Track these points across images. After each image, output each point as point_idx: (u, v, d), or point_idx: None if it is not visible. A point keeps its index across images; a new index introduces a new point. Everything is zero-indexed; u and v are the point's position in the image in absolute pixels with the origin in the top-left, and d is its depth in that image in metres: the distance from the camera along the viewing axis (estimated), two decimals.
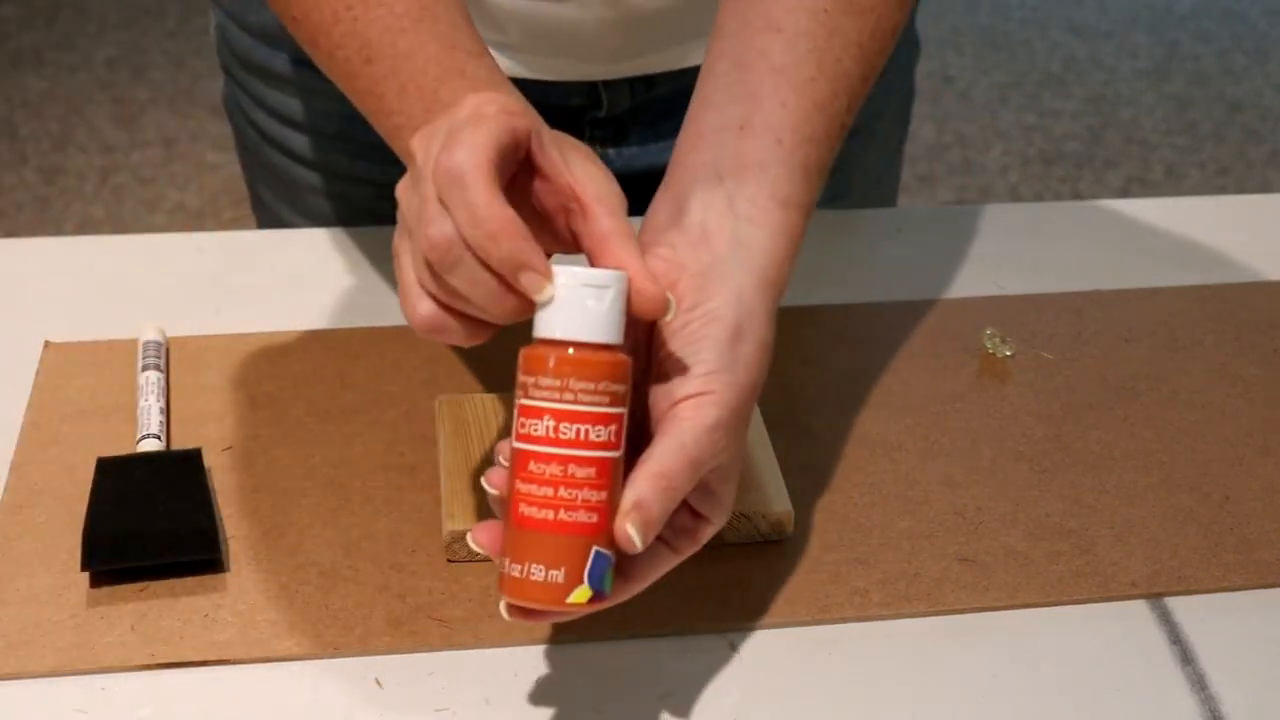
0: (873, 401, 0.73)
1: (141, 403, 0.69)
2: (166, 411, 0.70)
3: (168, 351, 0.75)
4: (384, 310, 0.79)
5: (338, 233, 0.86)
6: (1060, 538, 0.65)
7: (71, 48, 3.07)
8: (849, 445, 0.70)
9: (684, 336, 0.53)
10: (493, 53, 0.81)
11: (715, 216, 0.56)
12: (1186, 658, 0.59)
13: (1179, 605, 0.62)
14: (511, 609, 0.51)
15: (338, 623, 0.59)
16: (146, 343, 0.73)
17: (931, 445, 0.70)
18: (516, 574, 0.50)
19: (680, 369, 0.53)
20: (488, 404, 0.69)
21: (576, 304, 0.50)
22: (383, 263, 0.83)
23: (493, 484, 0.52)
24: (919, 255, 0.86)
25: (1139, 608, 0.62)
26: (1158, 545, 0.65)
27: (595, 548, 0.50)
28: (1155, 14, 3.36)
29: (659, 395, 0.53)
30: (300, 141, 0.89)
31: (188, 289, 0.81)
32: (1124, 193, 2.65)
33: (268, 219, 0.96)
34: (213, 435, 0.69)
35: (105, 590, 0.60)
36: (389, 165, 0.88)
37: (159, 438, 0.68)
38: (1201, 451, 0.71)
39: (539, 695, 0.57)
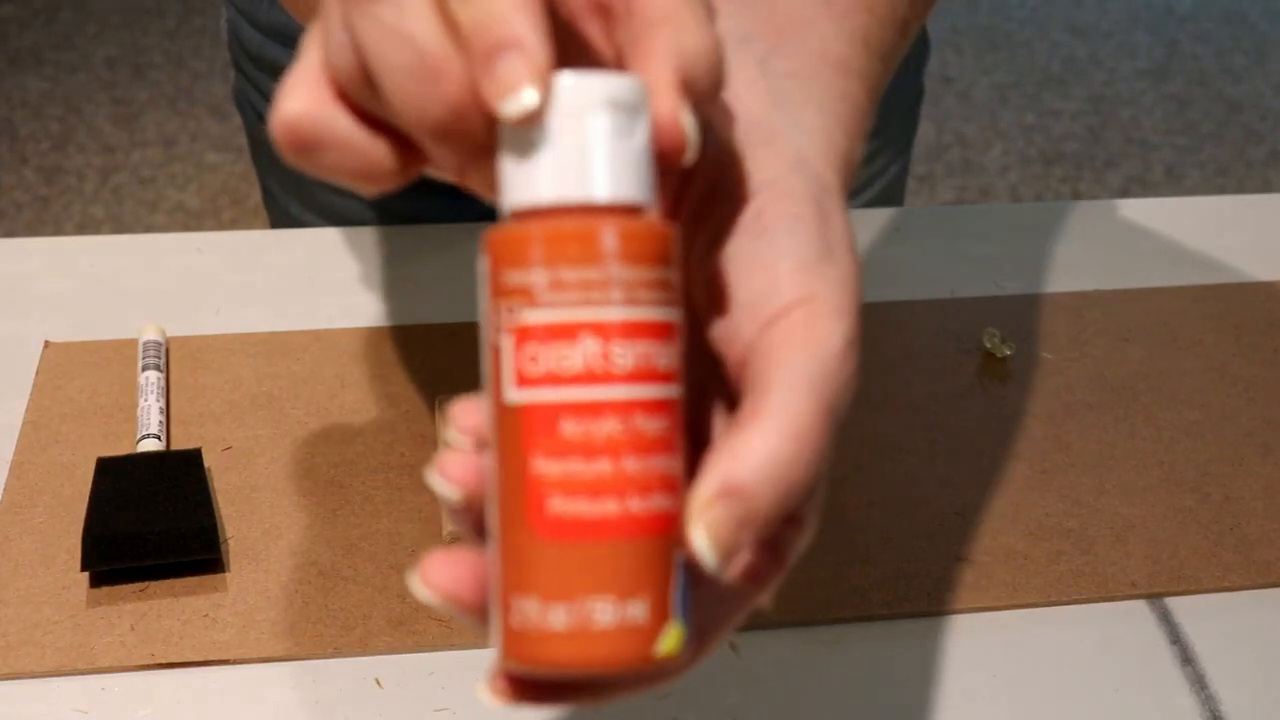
0: (873, 401, 0.73)
1: (141, 403, 0.69)
2: (166, 411, 0.70)
3: (168, 351, 0.75)
4: (384, 310, 0.79)
5: (338, 232, 0.86)
6: (1060, 538, 0.65)
7: (71, 48, 3.07)
8: (849, 445, 0.70)
9: (745, 229, 0.34)
10: None
11: (742, 82, 0.37)
12: (1186, 658, 0.59)
13: (1179, 605, 0.62)
14: (517, 686, 0.31)
15: (338, 623, 0.59)
16: (146, 343, 0.73)
17: (931, 445, 0.70)
18: (560, 625, 0.30)
19: (757, 273, 0.33)
20: None
21: (606, 139, 0.30)
22: (384, 263, 0.83)
23: (452, 478, 0.31)
24: (919, 255, 0.86)
25: (1139, 608, 0.62)
26: (1158, 545, 0.65)
27: (679, 555, 0.31)
28: (1155, 14, 3.36)
29: (732, 324, 0.34)
30: None
31: (188, 289, 0.81)
32: (1124, 193, 2.65)
33: (278, 213, 0.96)
34: (213, 435, 0.69)
35: (105, 590, 0.60)
36: None
37: (159, 438, 0.68)
38: (1201, 451, 0.71)
39: None
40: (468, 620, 0.31)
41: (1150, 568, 0.63)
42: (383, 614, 0.60)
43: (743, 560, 0.32)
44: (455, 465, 0.31)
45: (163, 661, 0.57)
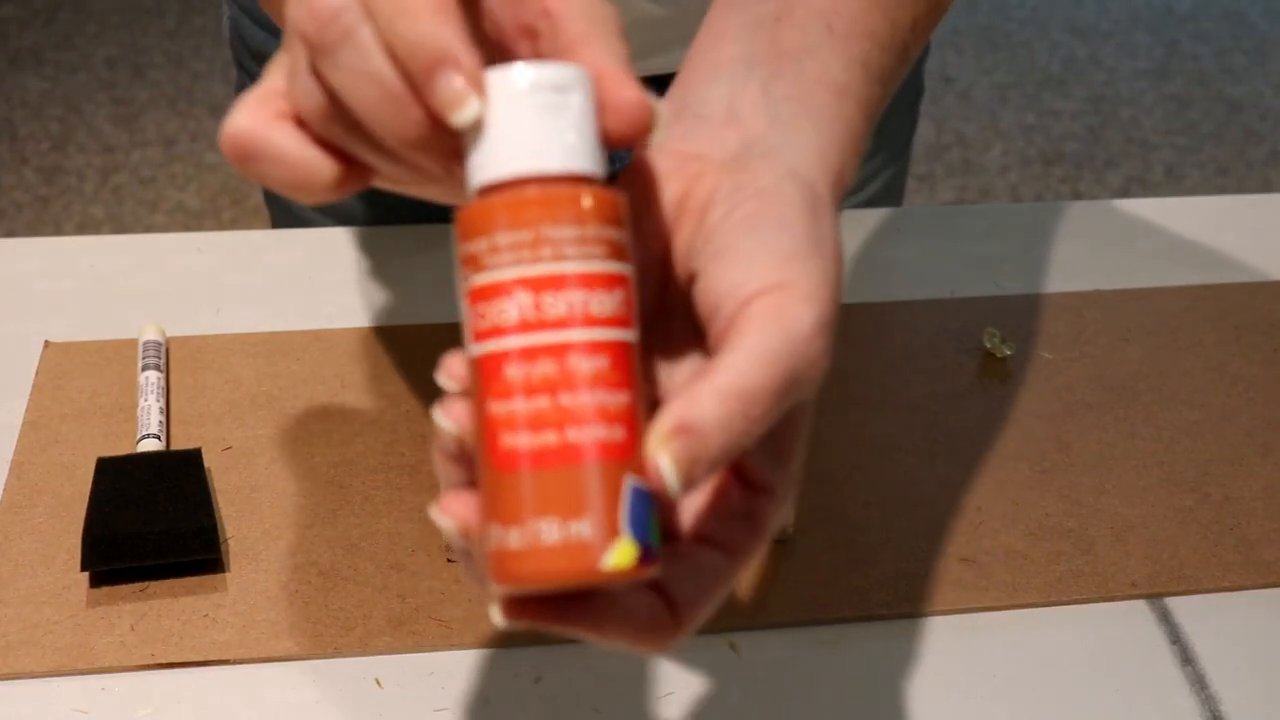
0: (873, 401, 0.73)
1: (141, 403, 0.69)
2: (166, 411, 0.70)
3: (168, 351, 0.75)
4: (384, 310, 0.79)
5: (338, 232, 0.86)
6: (1060, 538, 0.65)
7: (71, 48, 3.07)
8: (849, 445, 0.70)
9: (738, 224, 0.37)
10: None
11: (748, 102, 0.41)
12: (1186, 658, 0.59)
13: (1179, 605, 0.62)
14: (511, 607, 0.35)
15: (338, 623, 0.59)
16: (146, 343, 0.73)
17: (931, 445, 0.70)
18: (515, 544, 0.33)
19: (743, 261, 0.36)
20: None
21: (531, 119, 0.34)
22: (384, 262, 0.83)
23: (453, 417, 0.36)
24: (919, 255, 0.86)
25: (1139, 608, 0.62)
26: (1158, 545, 0.65)
27: (630, 478, 0.34)
28: (1155, 14, 3.36)
29: (717, 300, 0.37)
30: None
31: (188, 289, 0.81)
32: (1124, 193, 2.65)
33: (280, 211, 0.96)
34: (213, 435, 0.69)
35: (105, 590, 0.60)
36: None
37: (159, 438, 0.67)
38: (1201, 451, 0.71)
39: (539, 695, 0.57)
40: (468, 545, 0.36)
41: (1150, 568, 0.63)
42: (383, 614, 0.60)
43: (695, 485, 0.34)
44: (455, 407, 0.36)
45: (163, 661, 0.57)
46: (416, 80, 0.33)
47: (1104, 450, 0.70)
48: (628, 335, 0.35)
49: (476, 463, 0.35)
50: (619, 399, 0.34)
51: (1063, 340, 0.79)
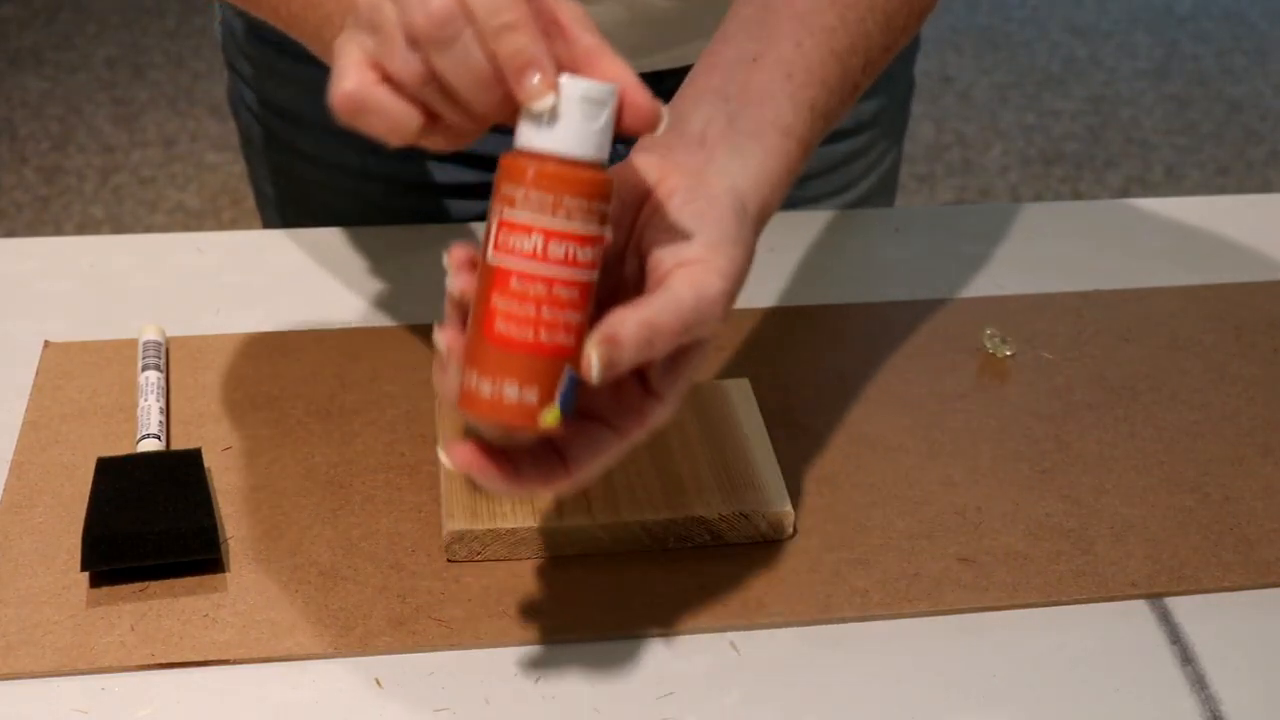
0: (873, 401, 0.73)
1: (141, 403, 0.69)
2: (166, 411, 0.70)
3: (168, 351, 0.75)
4: (384, 310, 0.79)
5: (338, 232, 0.86)
6: (1060, 538, 0.65)
7: (71, 48, 3.07)
8: (849, 445, 0.70)
9: (687, 213, 0.52)
10: None
11: (716, 131, 0.56)
12: (1186, 658, 0.59)
13: (1179, 605, 0.62)
14: (458, 452, 0.50)
15: (338, 623, 0.59)
16: (146, 343, 0.73)
17: (931, 445, 0.70)
18: (486, 392, 0.48)
19: (684, 237, 0.51)
20: None
21: (575, 117, 0.48)
22: (383, 262, 0.83)
23: (460, 281, 0.50)
24: (919, 255, 0.86)
25: (1139, 608, 0.62)
26: (1158, 545, 0.65)
27: (568, 370, 0.49)
28: (1155, 14, 3.36)
29: (656, 261, 0.51)
30: (308, 140, 0.89)
31: (188, 289, 0.81)
32: (1124, 193, 2.65)
33: (274, 217, 0.96)
34: (213, 435, 0.69)
35: (105, 590, 0.60)
36: (400, 161, 0.88)
37: (159, 438, 0.68)
38: (1201, 451, 0.71)
39: (539, 695, 0.57)
40: (446, 372, 0.50)
41: (1150, 568, 0.63)
42: (383, 614, 0.60)
43: (610, 378, 0.48)
44: (462, 278, 0.50)
45: (163, 661, 0.57)
46: (510, 76, 0.47)
47: (1104, 450, 0.70)
48: (593, 276, 0.49)
49: (471, 326, 0.49)
50: (577, 318, 0.49)
51: (1063, 340, 0.79)
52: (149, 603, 0.60)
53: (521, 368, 0.48)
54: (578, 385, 0.49)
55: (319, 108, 0.88)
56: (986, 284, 0.84)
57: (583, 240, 0.48)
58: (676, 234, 0.52)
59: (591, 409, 0.52)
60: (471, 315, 0.49)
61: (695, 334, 0.50)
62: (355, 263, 0.84)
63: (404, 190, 0.90)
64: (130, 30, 3.15)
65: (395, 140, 0.49)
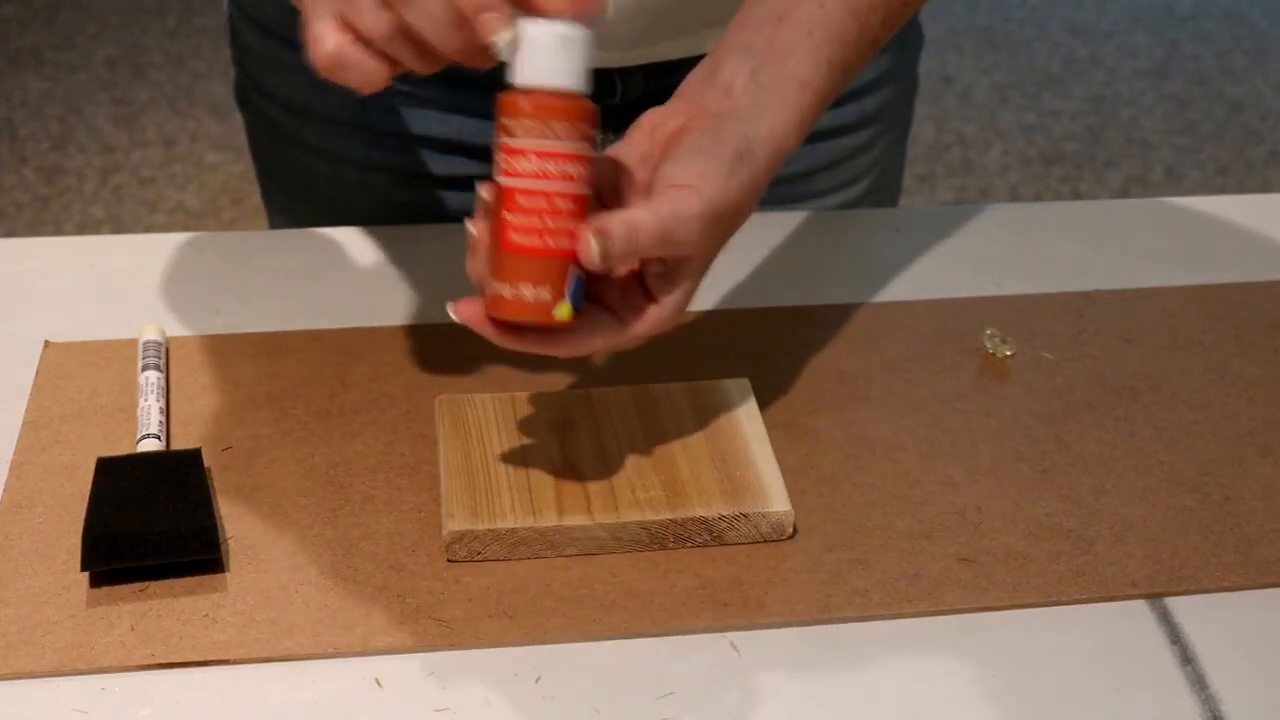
0: (873, 401, 0.73)
1: (141, 403, 0.69)
2: (166, 411, 0.70)
3: (168, 351, 0.75)
4: (384, 310, 0.79)
5: (338, 232, 0.86)
6: (1060, 538, 0.65)
7: (71, 48, 3.07)
8: (849, 445, 0.70)
9: (692, 147, 0.60)
10: None
11: (741, 81, 0.63)
12: (1186, 658, 0.59)
13: (1179, 605, 0.62)
14: (501, 328, 0.58)
15: (338, 623, 0.59)
16: (146, 343, 0.73)
17: (931, 445, 0.70)
18: (508, 294, 0.57)
19: (681, 167, 0.59)
20: (488, 404, 0.69)
21: (553, 54, 0.55)
22: (383, 262, 0.83)
23: (478, 228, 0.59)
24: (919, 255, 0.86)
25: (1139, 608, 0.62)
26: (1158, 545, 0.65)
27: (574, 269, 0.57)
28: (1155, 14, 3.36)
29: (657, 181, 0.59)
30: (314, 132, 0.89)
31: (188, 289, 0.81)
32: (1124, 193, 2.65)
33: (280, 212, 0.96)
34: (213, 435, 0.69)
35: (105, 590, 0.60)
36: (405, 153, 0.88)
37: (159, 438, 0.68)
38: (1201, 451, 0.71)
39: (539, 695, 0.57)
40: (474, 328, 0.59)
41: (1150, 568, 0.63)
42: (383, 614, 0.60)
43: (605, 265, 0.57)
44: (479, 225, 0.59)
45: (163, 661, 0.57)
46: (471, 18, 0.53)
47: (1104, 450, 0.70)
48: (586, 189, 0.57)
49: (491, 241, 0.58)
50: (575, 225, 0.57)
51: (1063, 340, 0.79)
52: (149, 603, 0.60)
53: (534, 270, 0.57)
54: (584, 283, 0.58)
55: (325, 100, 0.88)
56: (986, 284, 0.84)
57: (571, 157, 0.56)
58: (678, 164, 0.59)
59: (602, 301, 0.61)
60: (491, 232, 0.58)
61: (674, 247, 0.58)
62: (355, 262, 0.84)
63: (409, 182, 0.90)
64: (130, 30, 3.15)
65: (369, 90, 0.56)
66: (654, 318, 0.60)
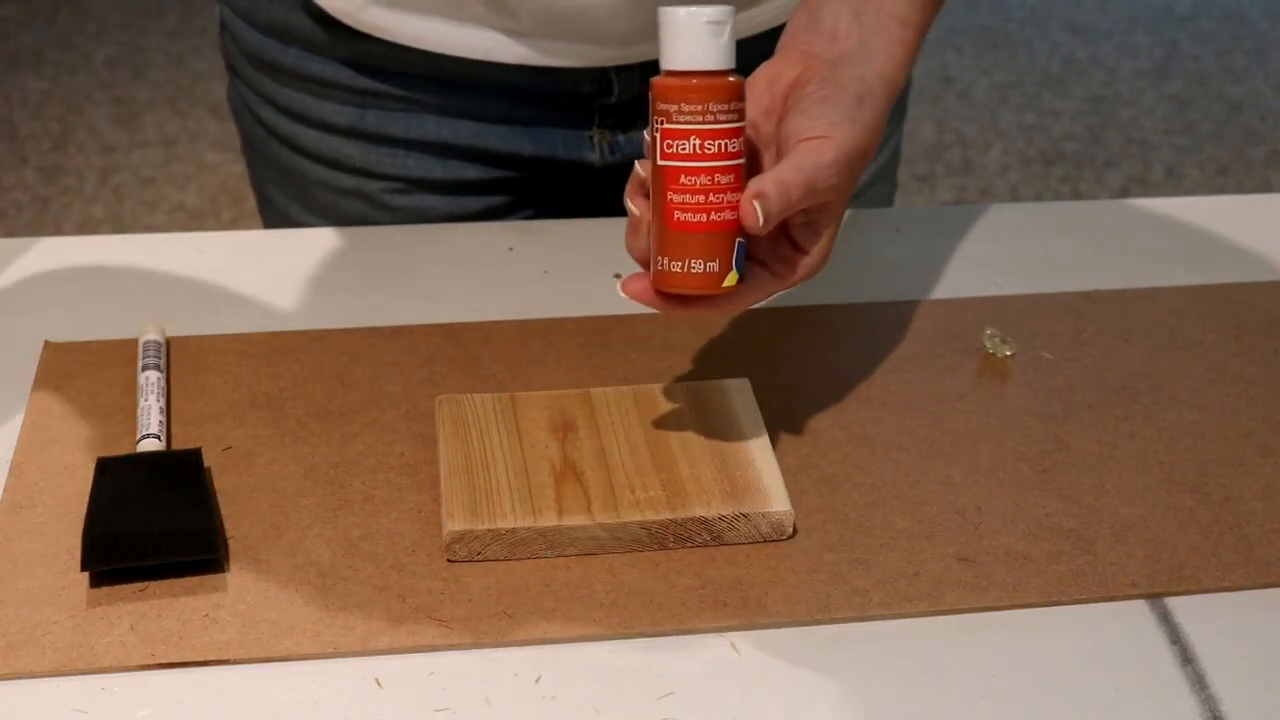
0: (873, 401, 0.73)
1: (141, 403, 0.69)
2: (166, 411, 0.70)
3: (168, 351, 0.75)
4: (384, 310, 0.79)
5: (338, 232, 0.86)
6: (1060, 538, 0.65)
7: (71, 48, 3.07)
8: (849, 445, 0.70)
9: (815, 98, 0.62)
10: (506, 41, 0.82)
11: (844, 25, 0.66)
12: (1186, 658, 0.59)
13: (1179, 605, 0.62)
14: (670, 300, 0.62)
15: (338, 623, 0.59)
16: (146, 343, 0.73)
17: (931, 445, 0.70)
18: (679, 270, 0.60)
19: (809, 119, 0.62)
20: (488, 404, 0.69)
21: (700, 38, 0.59)
22: (383, 262, 0.83)
23: (639, 206, 0.62)
24: (919, 255, 0.86)
25: (1139, 608, 0.62)
26: (1158, 545, 0.65)
27: (738, 239, 0.60)
28: (1155, 14, 3.36)
29: (788, 135, 0.62)
30: (311, 137, 0.89)
31: (188, 289, 0.81)
32: (1124, 193, 2.65)
33: (276, 219, 0.96)
34: (213, 435, 0.69)
35: (105, 590, 0.60)
36: (401, 157, 0.88)
37: (159, 438, 0.68)
38: (1201, 451, 0.71)
39: (539, 695, 0.57)
40: (643, 303, 0.62)
41: (1150, 568, 0.63)
42: (383, 614, 0.60)
43: (769, 225, 0.59)
44: (640, 202, 0.63)
45: (163, 661, 0.57)
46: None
47: (1104, 450, 0.70)
48: (742, 161, 0.60)
49: (655, 220, 0.61)
50: (736, 197, 0.60)
51: (1063, 340, 0.79)
52: (149, 603, 0.60)
53: (702, 246, 0.60)
54: (746, 249, 0.61)
55: (324, 105, 0.88)
56: (986, 284, 0.84)
57: (729, 134, 0.59)
58: (806, 116, 0.62)
59: (754, 258, 0.63)
60: (653, 211, 0.61)
61: (818, 195, 0.61)
62: (355, 263, 0.84)
63: (409, 187, 0.90)
64: (130, 30, 3.15)
65: None
66: (806, 265, 0.64)
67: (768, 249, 0.63)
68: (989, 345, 0.77)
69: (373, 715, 0.56)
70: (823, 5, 0.67)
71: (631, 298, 0.62)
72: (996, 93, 3.00)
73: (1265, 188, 2.70)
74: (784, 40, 0.67)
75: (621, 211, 0.64)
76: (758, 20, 0.84)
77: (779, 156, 0.63)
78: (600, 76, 0.85)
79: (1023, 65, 3.11)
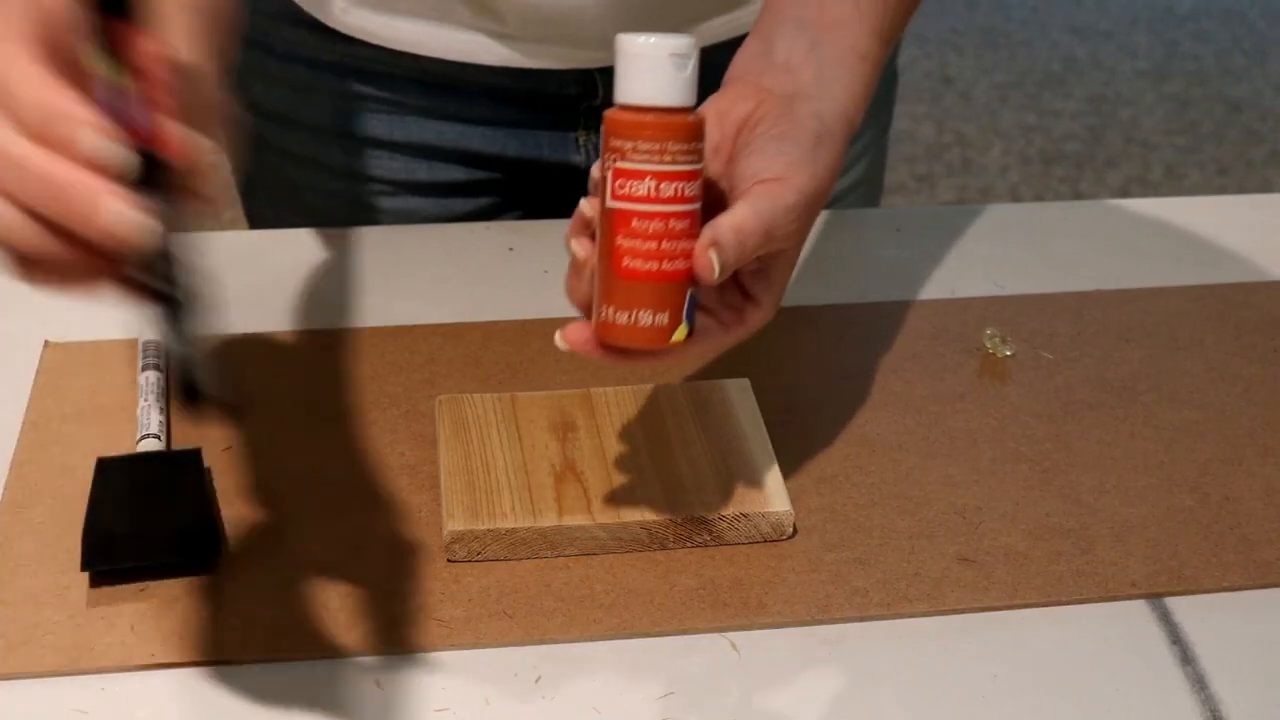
0: (873, 401, 0.73)
1: (141, 403, 0.69)
2: (166, 411, 0.70)
3: (168, 351, 0.74)
4: (384, 310, 0.79)
5: (337, 233, 0.86)
6: (1060, 538, 0.65)
7: None
8: (849, 445, 0.70)
9: (771, 136, 0.59)
10: (491, 44, 0.82)
11: (799, 56, 0.62)
12: (1186, 658, 0.59)
13: (1179, 605, 0.62)
14: (612, 353, 0.57)
15: (338, 623, 0.59)
16: (146, 343, 0.74)
17: (931, 445, 0.70)
18: (624, 321, 0.55)
19: (765, 159, 0.58)
20: (488, 404, 0.69)
21: (667, 71, 0.53)
22: (383, 263, 0.83)
23: (583, 245, 0.57)
24: (919, 255, 0.86)
25: (1139, 608, 0.62)
26: (1158, 545, 0.65)
27: (690, 291, 0.56)
28: (1155, 14, 3.36)
29: (742, 177, 0.58)
30: (295, 140, 0.89)
31: None
32: (1124, 193, 2.65)
33: (262, 223, 0.96)
34: (213, 435, 0.69)
35: (105, 590, 0.60)
36: (386, 159, 0.88)
37: (159, 438, 0.68)
38: (1201, 451, 0.71)
39: (539, 695, 0.57)
40: (582, 354, 0.57)
41: (1150, 568, 0.63)
42: (383, 614, 0.60)
43: (723, 277, 0.55)
44: (584, 243, 0.57)
45: (163, 661, 0.57)
46: (60, 149, 0.45)
47: (1104, 450, 0.70)
48: (698, 206, 0.55)
49: (600, 265, 0.56)
50: (690, 244, 0.55)
51: (1063, 340, 0.79)
52: (149, 603, 0.60)
53: (651, 296, 0.55)
54: (695, 301, 0.57)
55: (308, 108, 0.88)
56: (986, 284, 0.84)
57: (687, 176, 0.54)
58: (762, 156, 0.58)
59: (701, 307, 0.60)
60: (600, 256, 0.56)
61: (775, 242, 0.57)
62: (355, 263, 0.84)
63: (395, 190, 0.90)
64: None
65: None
66: (757, 315, 0.60)
67: (715, 297, 0.59)
68: (989, 345, 0.77)
69: (373, 715, 0.56)
70: (776, 34, 0.63)
71: (570, 348, 0.57)
72: (996, 93, 3.00)
73: (1265, 188, 2.70)
74: (733, 71, 0.63)
75: None
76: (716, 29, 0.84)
77: (730, 198, 0.58)
78: (585, 78, 0.85)
79: (1023, 65, 3.12)
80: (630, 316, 0.55)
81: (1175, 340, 0.79)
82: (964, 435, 0.71)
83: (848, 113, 0.61)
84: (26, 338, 0.76)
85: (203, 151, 0.48)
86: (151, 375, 0.71)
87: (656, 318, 0.55)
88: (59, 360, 0.74)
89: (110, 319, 0.77)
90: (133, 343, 0.75)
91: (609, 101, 0.89)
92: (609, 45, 0.87)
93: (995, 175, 2.71)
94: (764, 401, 0.71)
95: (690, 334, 0.56)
